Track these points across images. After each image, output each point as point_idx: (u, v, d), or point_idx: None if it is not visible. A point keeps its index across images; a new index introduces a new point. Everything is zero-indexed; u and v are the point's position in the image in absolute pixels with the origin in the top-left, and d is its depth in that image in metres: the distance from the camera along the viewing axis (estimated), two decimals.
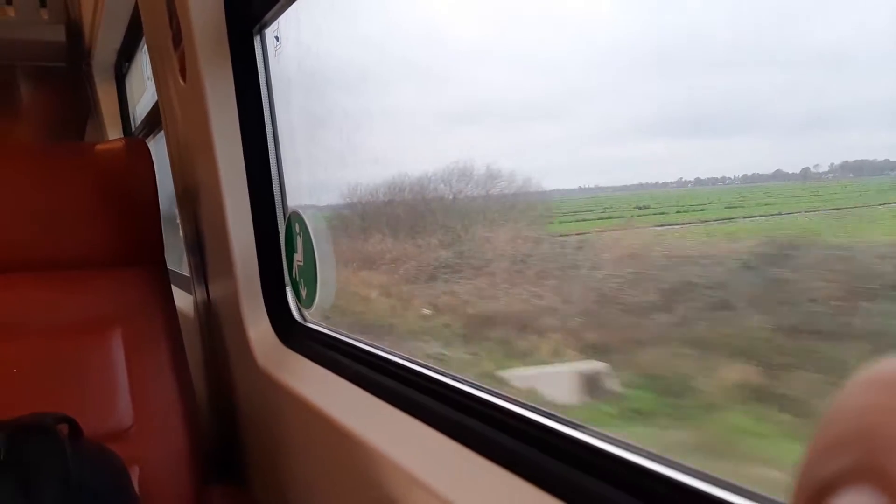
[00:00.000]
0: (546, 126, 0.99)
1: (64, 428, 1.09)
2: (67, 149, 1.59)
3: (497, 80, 1.02)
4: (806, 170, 0.81)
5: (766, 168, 0.83)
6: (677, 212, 0.96)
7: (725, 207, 0.93)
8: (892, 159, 0.73)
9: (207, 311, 1.76)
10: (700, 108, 0.85)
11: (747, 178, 0.88)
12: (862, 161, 0.76)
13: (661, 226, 0.98)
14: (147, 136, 2.97)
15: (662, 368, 0.91)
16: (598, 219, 1.03)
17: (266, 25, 1.37)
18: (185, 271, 2.07)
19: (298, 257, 1.35)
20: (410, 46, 1.14)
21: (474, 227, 1.20)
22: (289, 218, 1.39)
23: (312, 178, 1.43)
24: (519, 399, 0.84)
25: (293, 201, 1.44)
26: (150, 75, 1.92)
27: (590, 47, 0.91)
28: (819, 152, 0.77)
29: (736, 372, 0.81)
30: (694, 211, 0.96)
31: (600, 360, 1.00)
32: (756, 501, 0.55)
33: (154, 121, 2.70)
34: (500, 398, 0.86)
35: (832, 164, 0.78)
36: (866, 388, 0.22)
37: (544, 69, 0.96)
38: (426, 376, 1.01)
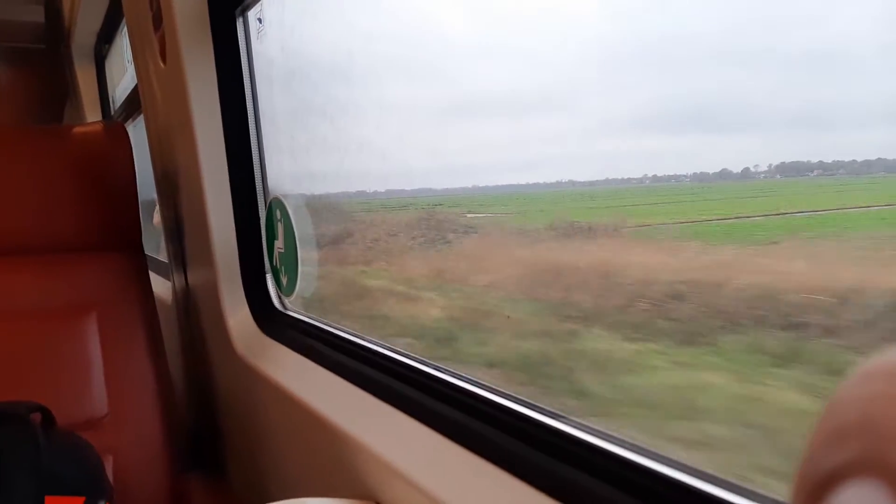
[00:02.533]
0: (539, 120, 0.99)
1: (37, 417, 1.07)
2: (44, 132, 1.56)
3: (493, 74, 1.01)
4: (746, 170, 0.83)
5: (736, 166, 0.85)
6: None
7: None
8: (825, 160, 0.76)
9: (186, 298, 1.74)
10: (692, 105, 0.85)
11: (696, 177, 0.91)
12: (797, 162, 0.79)
13: None
14: (126, 119, 2.93)
15: None
16: None
17: (249, 7, 1.35)
18: (164, 257, 2.05)
19: (279, 244, 1.33)
20: (404, 38, 1.13)
21: None
22: (270, 204, 1.37)
23: None
24: (503, 390, 0.83)
25: None
26: (131, 58, 1.89)
27: (582, 43, 0.91)
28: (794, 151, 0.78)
29: None
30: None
31: None
32: (750, 499, 0.55)
33: (134, 104, 2.65)
34: (483, 388, 0.85)
35: (770, 165, 0.81)
36: (868, 379, 0.21)
37: (538, 64, 0.96)
38: (407, 365, 1.00)
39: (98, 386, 1.38)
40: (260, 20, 1.34)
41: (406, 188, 1.29)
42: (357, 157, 1.21)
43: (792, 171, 0.80)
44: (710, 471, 0.60)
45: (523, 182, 1.06)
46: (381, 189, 1.34)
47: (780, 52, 0.73)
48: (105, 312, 1.43)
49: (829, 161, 0.76)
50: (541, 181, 1.04)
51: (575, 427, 0.71)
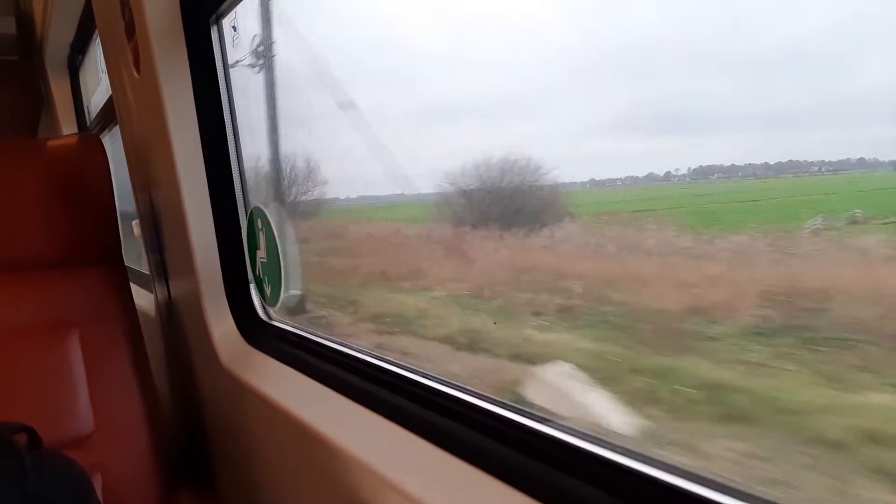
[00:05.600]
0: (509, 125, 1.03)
1: (22, 438, 1.05)
2: (18, 146, 1.53)
3: (470, 82, 1.03)
4: (668, 173, 0.91)
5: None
6: None
7: None
8: (737, 164, 0.82)
9: (169, 311, 1.72)
10: (659, 109, 0.88)
11: (629, 179, 1.00)
12: (710, 166, 0.85)
13: None
14: (102, 130, 2.89)
15: None
16: None
17: (223, 15, 1.33)
18: (146, 269, 2.02)
19: (261, 254, 1.31)
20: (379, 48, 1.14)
21: None
22: (250, 213, 1.35)
23: None
24: (490, 396, 0.83)
25: None
26: (105, 68, 1.86)
27: (554, 53, 0.93)
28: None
29: None
30: None
31: None
32: (736, 498, 0.54)
33: (109, 115, 2.62)
34: (470, 395, 0.85)
35: (689, 168, 0.87)
36: None
37: (511, 73, 0.98)
38: (395, 374, 0.99)
39: (83, 403, 1.36)
40: (235, 28, 1.32)
41: (380, 194, 1.35)
42: (337, 164, 1.21)
43: (701, 174, 0.88)
44: (693, 470, 0.60)
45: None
46: (354, 195, 1.40)
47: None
48: (87, 328, 1.41)
49: (731, 165, 0.81)
50: None
51: (569, 433, 0.71)
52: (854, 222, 0.79)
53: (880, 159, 0.68)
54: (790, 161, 0.75)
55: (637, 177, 0.96)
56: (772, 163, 0.78)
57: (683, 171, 0.89)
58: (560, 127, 0.96)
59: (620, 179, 0.99)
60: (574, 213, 1.12)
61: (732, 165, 0.84)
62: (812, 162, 0.73)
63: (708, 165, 0.88)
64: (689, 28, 0.76)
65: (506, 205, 1.16)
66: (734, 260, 0.94)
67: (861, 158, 0.70)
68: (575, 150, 0.96)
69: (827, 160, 0.73)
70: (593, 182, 1.00)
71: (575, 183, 1.03)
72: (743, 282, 0.95)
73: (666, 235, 0.99)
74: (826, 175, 0.74)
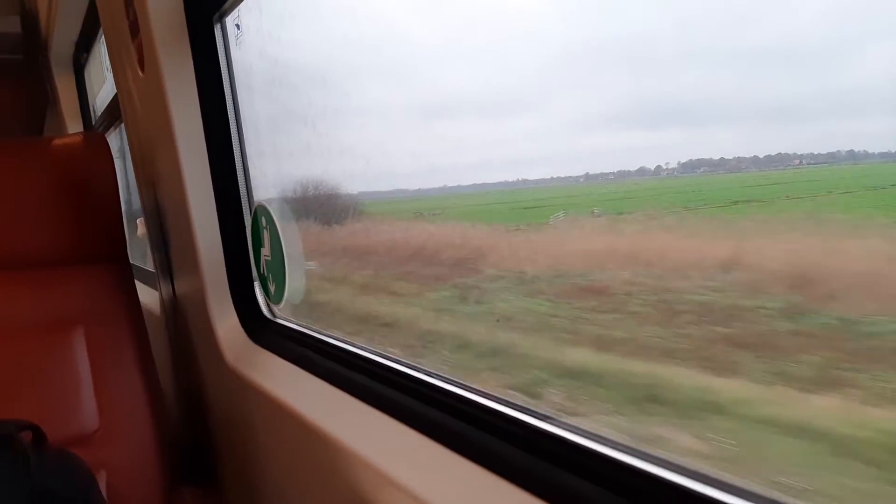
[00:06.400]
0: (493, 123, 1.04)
1: (27, 435, 1.05)
2: (24, 144, 1.54)
3: (465, 78, 1.04)
4: (658, 167, 0.95)
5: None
6: None
7: None
8: (726, 157, 0.84)
9: (174, 308, 1.72)
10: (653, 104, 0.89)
11: (621, 174, 1.03)
12: (699, 160, 0.87)
13: None
14: (107, 128, 2.90)
15: None
16: None
17: (226, 13, 1.33)
18: (151, 266, 2.03)
19: (266, 252, 1.32)
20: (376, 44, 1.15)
21: None
22: (255, 211, 1.35)
23: None
24: (493, 394, 0.83)
25: None
26: (110, 66, 1.87)
27: (545, 49, 0.94)
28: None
29: None
30: None
31: None
32: (737, 496, 0.54)
33: (114, 113, 2.63)
34: (474, 393, 0.85)
35: (679, 162, 0.89)
36: None
37: (506, 69, 0.99)
38: (399, 372, 0.99)
39: (88, 401, 1.36)
40: (238, 26, 1.33)
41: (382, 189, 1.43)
42: (339, 161, 1.21)
43: (688, 168, 0.92)
44: (698, 469, 0.60)
45: (492, 181, 1.13)
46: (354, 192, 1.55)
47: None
48: (92, 326, 1.41)
49: (716, 159, 0.83)
50: (504, 180, 1.12)
51: (568, 430, 0.71)
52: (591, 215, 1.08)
53: (870, 151, 0.69)
54: (779, 154, 0.77)
55: (629, 170, 0.98)
56: (761, 156, 0.79)
57: (673, 164, 0.91)
58: (559, 123, 0.96)
59: (613, 173, 1.01)
60: (358, 214, 1.64)
61: (721, 159, 0.85)
62: (800, 155, 0.74)
63: (697, 159, 0.89)
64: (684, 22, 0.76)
65: (308, 208, 1.58)
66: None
67: (850, 151, 0.70)
68: (571, 146, 0.97)
69: (816, 153, 0.74)
70: (588, 176, 1.02)
71: (570, 177, 1.06)
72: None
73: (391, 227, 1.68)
74: (807, 168, 0.75)
